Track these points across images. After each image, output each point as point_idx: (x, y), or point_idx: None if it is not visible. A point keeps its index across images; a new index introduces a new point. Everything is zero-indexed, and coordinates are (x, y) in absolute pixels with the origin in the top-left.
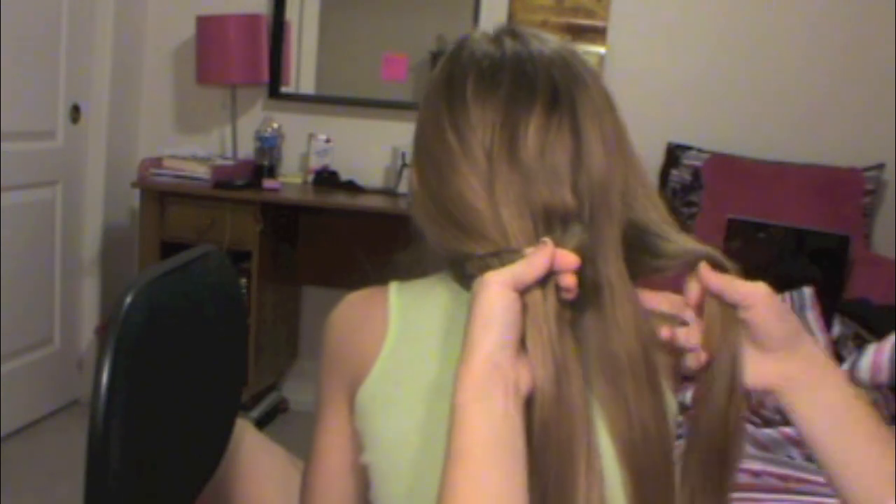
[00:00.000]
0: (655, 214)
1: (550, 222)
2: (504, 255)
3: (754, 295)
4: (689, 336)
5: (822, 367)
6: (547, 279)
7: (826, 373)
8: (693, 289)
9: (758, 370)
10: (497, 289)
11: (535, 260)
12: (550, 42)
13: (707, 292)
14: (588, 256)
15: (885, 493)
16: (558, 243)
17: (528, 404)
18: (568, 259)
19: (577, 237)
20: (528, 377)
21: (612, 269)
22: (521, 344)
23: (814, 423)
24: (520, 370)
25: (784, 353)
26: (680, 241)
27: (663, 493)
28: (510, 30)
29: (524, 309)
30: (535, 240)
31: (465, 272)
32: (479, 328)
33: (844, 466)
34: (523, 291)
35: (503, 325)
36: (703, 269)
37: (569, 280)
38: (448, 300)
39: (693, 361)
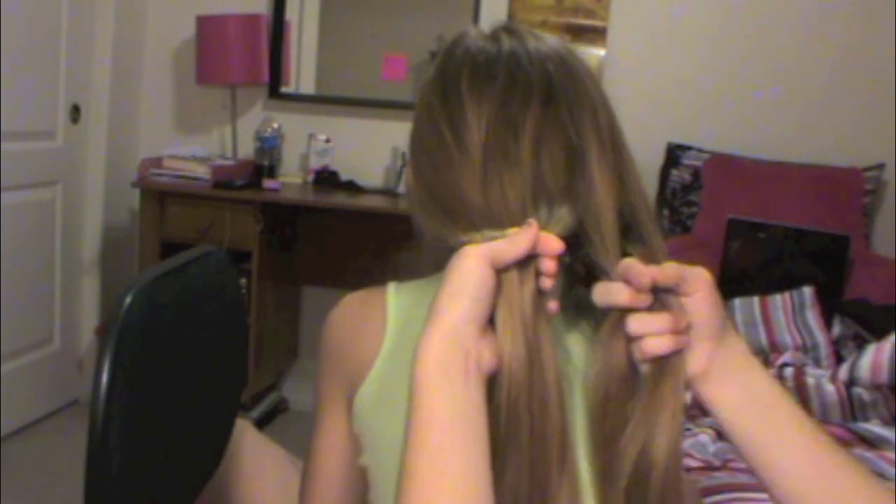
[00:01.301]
0: (644, 215)
1: (537, 203)
2: (486, 233)
3: (701, 280)
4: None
5: (747, 358)
6: (528, 262)
7: (752, 364)
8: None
9: (689, 356)
10: (474, 262)
11: (518, 239)
12: (548, 40)
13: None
14: (578, 242)
15: (810, 480)
16: (544, 227)
17: (495, 385)
18: (552, 243)
19: (564, 221)
20: (491, 356)
21: (605, 259)
22: (490, 323)
23: (739, 409)
24: (483, 348)
25: (714, 342)
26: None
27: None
28: (506, 27)
29: (498, 288)
30: (522, 222)
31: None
32: (446, 298)
33: (769, 455)
34: (501, 270)
35: (473, 298)
36: (656, 268)
37: (549, 265)
38: None
39: (655, 347)
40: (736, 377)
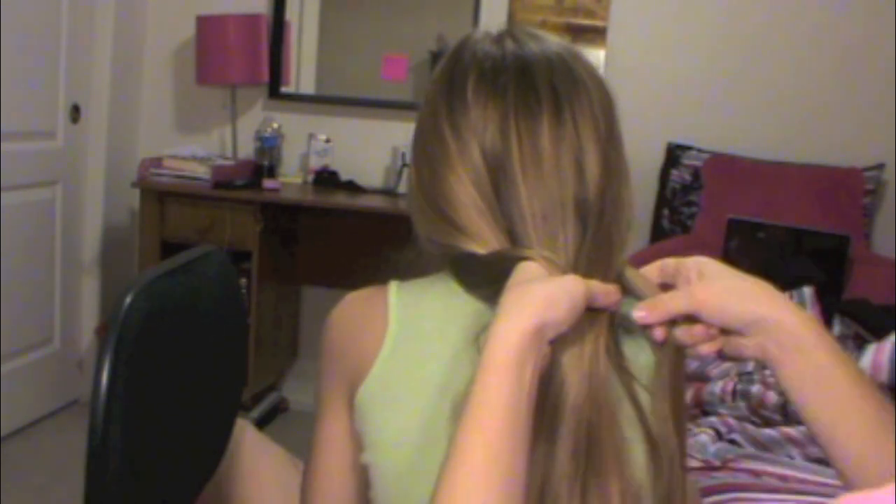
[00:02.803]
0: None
1: (551, 214)
2: (539, 251)
3: (696, 306)
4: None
5: (795, 339)
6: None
7: (801, 346)
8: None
9: (734, 345)
10: (581, 290)
11: (613, 295)
12: (552, 44)
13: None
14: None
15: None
16: (554, 240)
17: (556, 391)
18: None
19: (577, 234)
20: (548, 360)
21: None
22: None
23: (796, 390)
24: (546, 352)
25: (753, 333)
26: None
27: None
28: (511, 31)
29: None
30: (543, 243)
31: (462, 269)
32: (546, 300)
33: (832, 430)
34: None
35: (567, 313)
36: (645, 311)
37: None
38: (447, 299)
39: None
40: (785, 365)
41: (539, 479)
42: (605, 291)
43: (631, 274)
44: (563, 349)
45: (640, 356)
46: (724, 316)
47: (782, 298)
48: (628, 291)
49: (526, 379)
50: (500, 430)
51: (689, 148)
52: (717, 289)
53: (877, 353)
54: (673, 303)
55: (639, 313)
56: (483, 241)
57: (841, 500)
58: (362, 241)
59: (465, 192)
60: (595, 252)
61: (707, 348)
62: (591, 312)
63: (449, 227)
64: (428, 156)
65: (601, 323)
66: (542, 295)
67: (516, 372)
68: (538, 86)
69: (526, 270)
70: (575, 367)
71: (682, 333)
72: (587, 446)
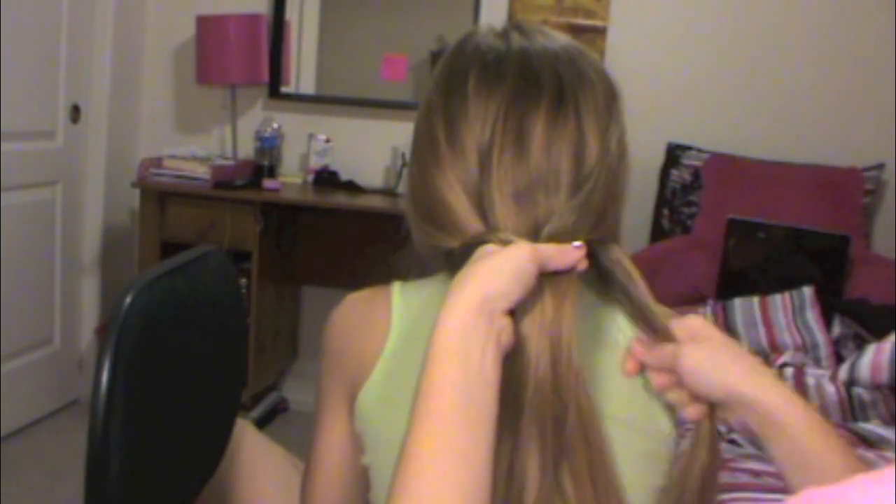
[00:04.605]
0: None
1: (536, 200)
2: (492, 237)
3: (681, 364)
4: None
5: (774, 418)
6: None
7: (782, 426)
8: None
9: (719, 414)
10: (526, 254)
11: (569, 254)
12: (558, 38)
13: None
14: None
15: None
16: (545, 222)
17: (512, 370)
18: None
19: (565, 218)
20: (510, 335)
21: (617, 265)
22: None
23: (785, 467)
24: (506, 325)
25: (733, 407)
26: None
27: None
28: (517, 25)
29: (532, 291)
30: (523, 232)
31: (454, 266)
32: (487, 273)
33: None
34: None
35: (515, 281)
36: (636, 348)
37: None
38: None
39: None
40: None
41: (506, 460)
42: (558, 252)
43: (618, 255)
44: (522, 317)
45: (618, 332)
46: (701, 387)
47: (763, 374)
48: (605, 264)
49: (474, 360)
50: (450, 419)
51: (689, 148)
52: (700, 356)
53: (877, 353)
54: (662, 353)
55: (637, 345)
56: (464, 235)
57: (802, 495)
58: (362, 241)
59: (449, 189)
60: (570, 217)
61: (691, 412)
62: (551, 276)
63: (431, 228)
64: (419, 154)
65: (565, 285)
66: (481, 270)
67: (461, 355)
68: (541, 76)
69: (476, 254)
70: (535, 334)
71: (672, 395)
72: (554, 420)
